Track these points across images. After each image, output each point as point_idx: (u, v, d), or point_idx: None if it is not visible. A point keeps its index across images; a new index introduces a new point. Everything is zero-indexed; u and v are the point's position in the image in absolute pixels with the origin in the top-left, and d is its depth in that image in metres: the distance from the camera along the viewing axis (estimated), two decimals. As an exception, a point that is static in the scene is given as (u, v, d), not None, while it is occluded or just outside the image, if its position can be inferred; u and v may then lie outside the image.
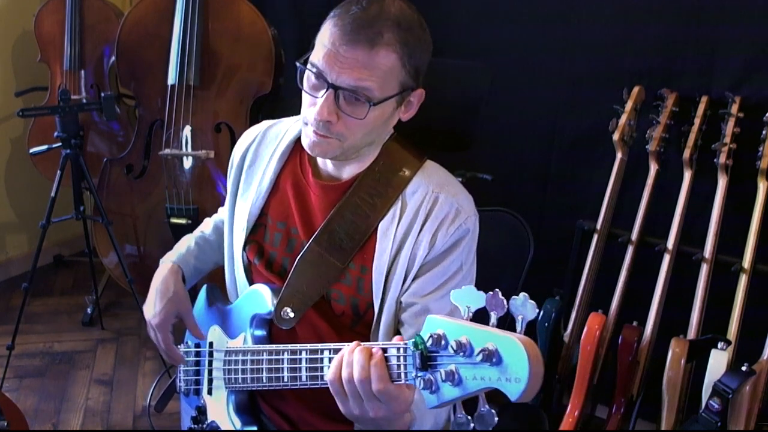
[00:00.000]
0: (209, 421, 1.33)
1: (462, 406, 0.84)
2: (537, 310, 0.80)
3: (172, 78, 2.46)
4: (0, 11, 2.97)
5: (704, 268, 1.85)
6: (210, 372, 1.33)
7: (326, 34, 1.07)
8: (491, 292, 0.82)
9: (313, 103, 1.10)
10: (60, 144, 2.34)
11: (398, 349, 0.90)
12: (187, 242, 1.40)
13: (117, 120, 2.91)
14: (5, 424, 1.69)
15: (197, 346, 1.37)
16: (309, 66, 1.09)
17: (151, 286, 1.32)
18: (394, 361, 0.91)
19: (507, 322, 0.81)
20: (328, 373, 0.95)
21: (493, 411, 0.81)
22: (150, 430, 2.24)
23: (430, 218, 1.15)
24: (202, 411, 1.34)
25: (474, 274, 1.21)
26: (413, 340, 0.86)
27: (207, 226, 1.46)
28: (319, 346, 1.04)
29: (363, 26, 1.04)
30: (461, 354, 0.80)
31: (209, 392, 1.33)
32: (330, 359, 1.01)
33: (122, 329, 2.85)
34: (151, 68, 2.52)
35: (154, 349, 2.56)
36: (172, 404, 1.49)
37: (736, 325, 1.77)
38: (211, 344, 1.34)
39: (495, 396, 0.83)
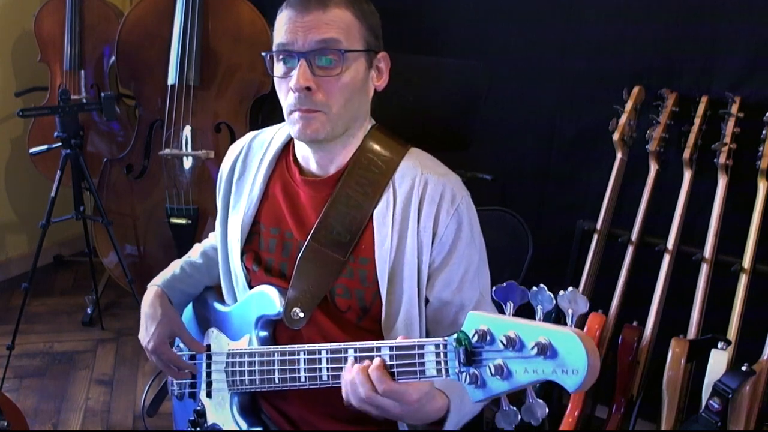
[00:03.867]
0: (209, 423, 1.32)
1: (507, 399, 0.85)
2: (588, 304, 0.81)
3: (172, 78, 2.46)
4: (0, 11, 2.97)
5: (704, 268, 1.85)
6: (209, 375, 1.32)
7: (281, 18, 1.12)
8: (535, 288, 0.84)
9: (288, 86, 1.12)
10: (60, 144, 2.34)
11: (437, 345, 0.92)
12: (173, 268, 1.40)
13: (117, 120, 2.91)
14: (5, 424, 1.69)
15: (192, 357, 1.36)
16: (275, 48, 1.12)
17: (141, 314, 1.33)
18: (432, 357, 0.92)
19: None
20: (345, 401, 0.99)
21: (543, 402, 0.82)
22: (150, 431, 2.24)
23: (425, 201, 1.16)
24: (200, 414, 1.34)
25: (485, 252, 1.23)
26: (456, 336, 0.87)
27: (195, 252, 1.46)
28: (342, 345, 1.05)
29: None
30: (511, 348, 0.81)
31: (208, 395, 1.32)
32: (355, 358, 1.02)
33: (122, 329, 2.85)
34: (151, 68, 2.52)
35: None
36: (169, 404, 1.49)
37: (736, 325, 1.77)
38: (208, 347, 1.33)
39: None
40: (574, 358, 0.76)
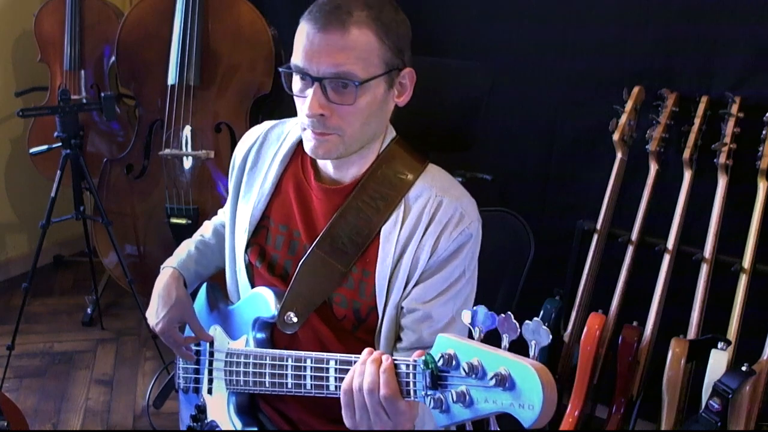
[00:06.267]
0: (209, 420, 1.33)
1: (471, 425, 0.84)
2: (550, 337, 0.79)
3: (172, 78, 2.46)
4: (0, 11, 2.97)
5: (704, 268, 1.85)
6: (210, 372, 1.33)
7: (301, 33, 1.08)
8: (503, 315, 0.82)
9: (304, 104, 1.09)
10: (60, 144, 2.34)
11: (407, 365, 0.91)
12: (187, 247, 1.39)
13: (117, 120, 2.91)
14: (5, 424, 1.68)
15: (197, 344, 1.37)
16: (292, 68, 1.09)
17: (153, 293, 1.32)
18: (403, 378, 0.91)
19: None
20: (343, 383, 0.96)
21: None
22: (150, 430, 2.24)
23: (433, 222, 1.14)
24: (201, 410, 1.34)
25: (475, 281, 1.21)
26: (423, 358, 0.86)
27: (206, 229, 1.45)
28: (325, 355, 1.04)
29: (332, 11, 1.05)
30: (473, 376, 0.80)
31: (209, 392, 1.33)
32: (336, 369, 1.02)
33: (122, 329, 2.85)
34: (151, 68, 2.52)
35: (154, 349, 2.57)
36: (172, 404, 1.49)
37: (736, 325, 1.77)
38: (212, 344, 1.34)
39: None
40: (530, 393, 0.75)
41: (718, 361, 1.69)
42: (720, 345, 1.70)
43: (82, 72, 2.86)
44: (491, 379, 0.77)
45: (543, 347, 0.80)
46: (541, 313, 1.92)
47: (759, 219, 1.80)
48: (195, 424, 1.35)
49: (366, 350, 0.96)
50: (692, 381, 1.82)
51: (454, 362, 0.82)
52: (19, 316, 2.40)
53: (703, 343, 1.75)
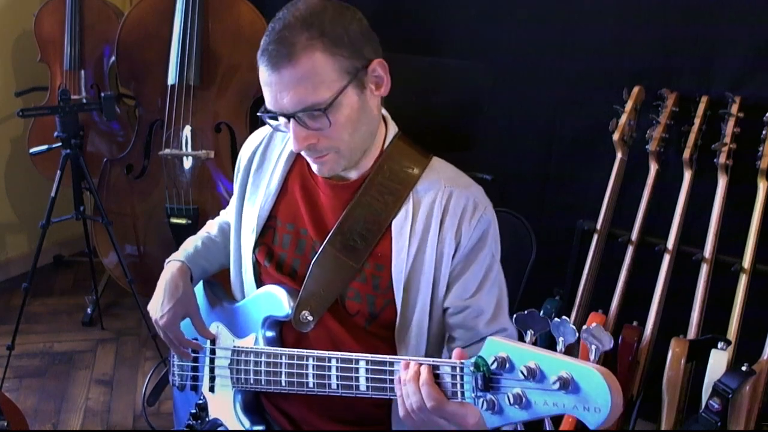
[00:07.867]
0: (211, 418, 1.32)
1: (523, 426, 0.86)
2: (612, 341, 0.81)
3: (172, 78, 2.46)
4: (0, 11, 2.97)
5: (704, 268, 1.85)
6: (212, 369, 1.32)
7: (261, 75, 1.09)
8: (558, 319, 0.84)
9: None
10: (60, 144, 2.34)
11: (453, 367, 0.92)
12: (194, 242, 1.39)
13: (117, 120, 2.90)
14: (5, 424, 1.68)
15: (194, 340, 1.36)
16: (265, 111, 1.11)
17: (158, 285, 1.30)
18: (448, 379, 0.92)
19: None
20: (400, 411, 0.97)
21: None
22: (150, 430, 2.24)
23: (448, 214, 1.16)
24: (202, 407, 1.34)
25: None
26: (474, 360, 0.88)
27: (212, 227, 1.45)
28: (353, 355, 1.05)
29: (276, 47, 1.05)
30: (531, 379, 0.81)
31: (211, 389, 1.32)
32: (368, 369, 1.03)
33: (122, 329, 2.84)
34: (151, 68, 2.52)
35: (154, 349, 2.57)
36: (170, 404, 1.49)
37: (736, 325, 1.77)
38: (213, 341, 1.33)
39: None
40: (597, 396, 0.76)
41: (718, 361, 1.69)
42: (720, 345, 1.70)
43: (82, 72, 2.86)
44: (555, 382, 0.78)
45: (604, 351, 0.81)
46: (541, 313, 1.92)
47: (759, 219, 1.81)
48: (195, 422, 1.34)
49: (401, 364, 0.98)
50: (692, 381, 1.82)
51: (507, 365, 0.84)
52: (19, 316, 2.40)
53: (703, 343, 1.75)
